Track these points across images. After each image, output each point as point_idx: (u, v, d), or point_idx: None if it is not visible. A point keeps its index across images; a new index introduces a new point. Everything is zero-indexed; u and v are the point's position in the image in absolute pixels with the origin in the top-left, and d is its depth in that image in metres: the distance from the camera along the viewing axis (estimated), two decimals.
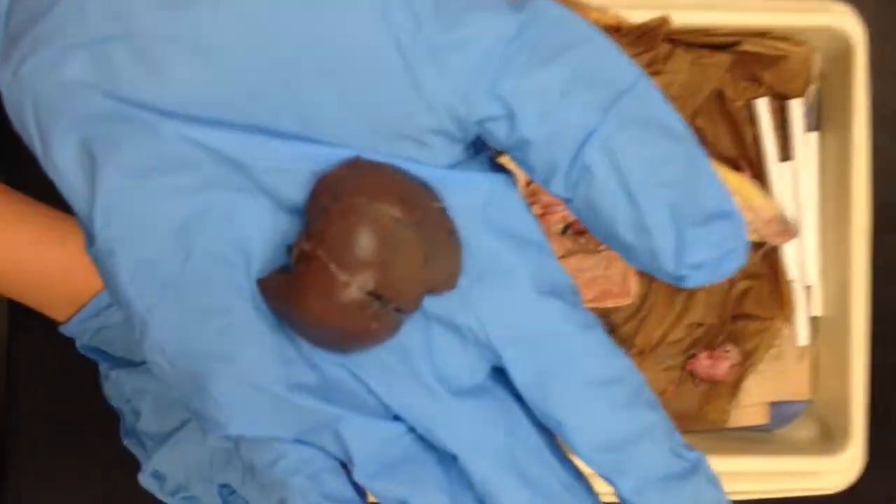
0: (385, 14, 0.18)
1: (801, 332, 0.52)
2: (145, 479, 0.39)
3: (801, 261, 0.52)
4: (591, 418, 0.20)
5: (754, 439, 0.52)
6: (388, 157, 0.20)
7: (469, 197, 0.20)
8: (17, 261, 0.39)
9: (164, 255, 0.20)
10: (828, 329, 0.52)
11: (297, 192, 0.20)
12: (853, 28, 0.49)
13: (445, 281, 0.20)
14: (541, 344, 0.20)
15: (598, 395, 0.20)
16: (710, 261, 0.19)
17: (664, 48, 0.50)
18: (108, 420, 0.43)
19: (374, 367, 0.21)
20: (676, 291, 0.52)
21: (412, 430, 0.21)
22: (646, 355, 0.52)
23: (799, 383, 0.53)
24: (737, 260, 0.19)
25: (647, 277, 0.51)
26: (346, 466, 0.22)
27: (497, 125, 0.19)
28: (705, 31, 0.50)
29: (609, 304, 0.48)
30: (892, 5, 0.54)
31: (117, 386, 0.40)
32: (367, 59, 0.19)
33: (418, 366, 0.21)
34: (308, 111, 0.19)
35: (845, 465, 0.49)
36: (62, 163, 0.20)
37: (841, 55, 0.50)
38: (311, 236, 0.19)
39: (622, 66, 0.19)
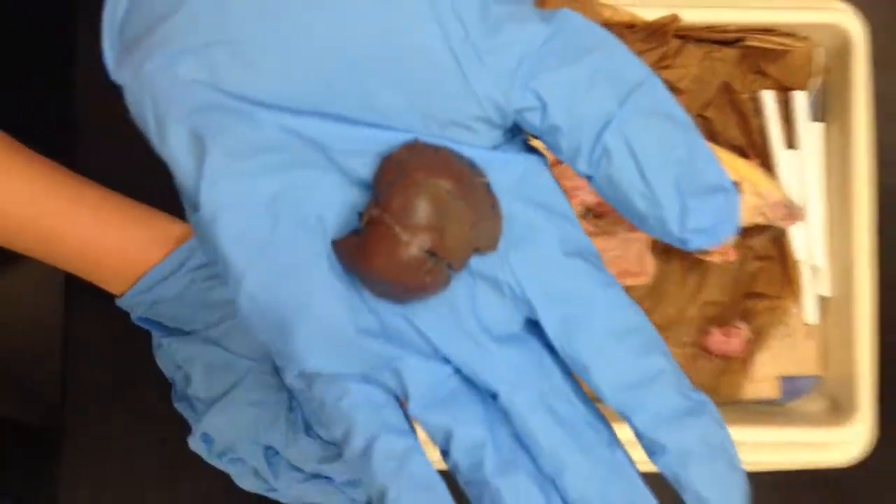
0: (440, 23, 0.22)
1: (810, 311, 0.53)
2: (194, 443, 0.41)
3: (808, 243, 0.53)
4: (611, 362, 0.23)
5: (766, 412, 0.53)
6: (441, 139, 0.23)
7: (508, 174, 0.24)
8: (79, 238, 0.40)
9: (258, 221, 0.23)
10: (835, 307, 0.53)
11: (365, 169, 0.23)
12: (853, 25, 0.51)
13: (488, 244, 0.23)
14: (568, 298, 0.23)
15: (618, 342, 0.23)
16: (709, 226, 0.22)
17: (675, 44, 0.52)
18: (161, 386, 0.44)
19: (428, 316, 0.24)
20: (690, 272, 0.53)
21: (458, 371, 0.24)
22: (662, 332, 0.52)
23: (808, 359, 0.53)
24: (731, 226, 0.22)
25: (662, 258, 0.52)
26: (400, 403, 0.24)
27: (532, 114, 0.22)
28: (713, 28, 0.51)
29: (628, 282, 0.49)
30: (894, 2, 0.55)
31: (169, 354, 0.41)
32: (424, 60, 0.22)
33: (464, 315, 0.24)
34: (375, 102, 0.23)
35: (854, 437, 0.50)
36: (175, 145, 0.23)
37: (842, 50, 0.51)
38: (378, 204, 0.22)
39: (634, 65, 0.22)
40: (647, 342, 0.23)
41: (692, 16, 0.51)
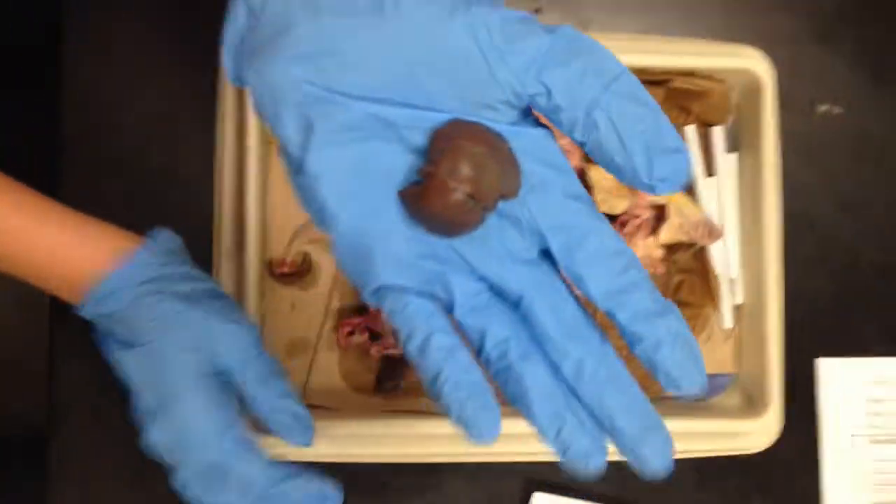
0: (473, 34, 0.29)
1: (727, 317, 0.57)
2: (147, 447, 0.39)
3: (725, 258, 0.57)
4: (601, 275, 0.30)
5: (691, 406, 0.57)
6: (475, 117, 0.30)
7: (524, 141, 0.31)
8: (26, 244, 0.39)
9: (347, 178, 0.30)
10: (748, 314, 0.57)
11: (422, 139, 0.30)
12: (763, 69, 0.55)
13: (511, 191, 0.30)
14: (569, 228, 0.30)
15: (606, 260, 0.30)
16: (669, 176, 0.28)
17: None
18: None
19: (468, 246, 0.31)
20: None
21: (491, 288, 0.31)
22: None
23: (726, 359, 0.57)
24: (684, 176, 0.29)
25: None
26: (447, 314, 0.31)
27: (540, 98, 0.29)
28: (644, 71, 0.55)
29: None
30: (798, 49, 0.60)
31: (118, 368, 0.40)
32: (462, 60, 0.29)
33: (495, 244, 0.31)
34: (427, 91, 0.30)
35: (765, 428, 0.54)
36: (288, 125, 0.30)
37: (754, 91, 0.56)
38: (432, 164, 0.29)
39: (614, 62, 0.29)
40: (628, 261, 0.30)
41: (626, 60, 0.48)
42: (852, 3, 0.62)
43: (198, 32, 0.48)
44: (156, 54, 0.56)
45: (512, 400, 0.30)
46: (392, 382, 0.55)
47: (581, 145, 0.30)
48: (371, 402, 0.55)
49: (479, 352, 0.30)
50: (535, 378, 0.29)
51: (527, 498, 0.56)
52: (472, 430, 0.29)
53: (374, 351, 0.55)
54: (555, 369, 0.29)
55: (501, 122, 0.30)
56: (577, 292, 0.31)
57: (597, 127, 0.28)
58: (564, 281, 0.31)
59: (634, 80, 0.29)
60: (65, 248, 0.39)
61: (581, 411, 0.29)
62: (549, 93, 0.29)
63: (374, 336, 0.55)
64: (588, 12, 0.60)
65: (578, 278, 0.30)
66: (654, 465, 0.29)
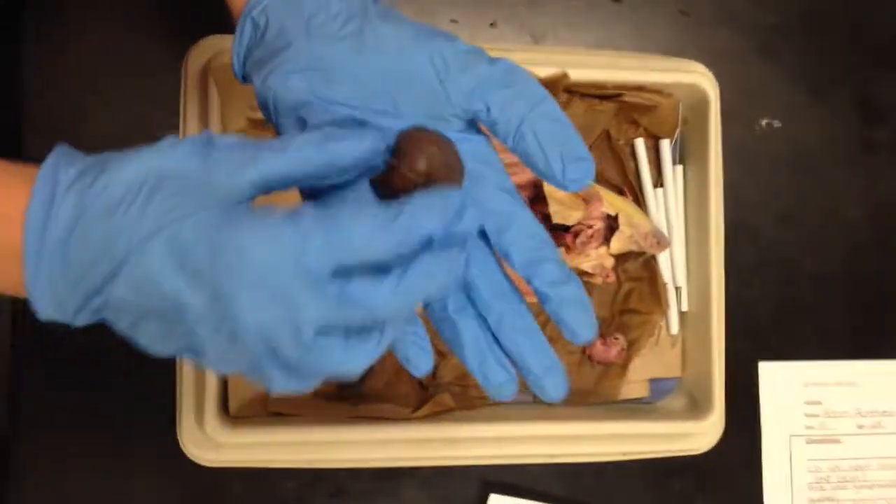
0: (432, 62, 0.36)
1: (674, 323, 0.59)
2: None
3: (673, 267, 0.59)
4: (521, 250, 0.36)
5: (639, 409, 0.59)
6: (432, 125, 0.36)
7: (469, 145, 0.37)
8: None
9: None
10: (692, 320, 0.59)
11: (390, 140, 0.35)
12: (709, 84, 0.58)
13: (458, 182, 0.35)
14: (500, 213, 0.37)
15: (527, 239, 0.36)
16: (578, 178, 0.35)
17: (564, 97, 0.57)
18: (109, 392, 0.47)
19: None
20: None
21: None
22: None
23: (672, 364, 0.59)
24: (590, 178, 0.36)
25: None
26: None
27: (482, 114, 0.36)
28: (596, 85, 0.57)
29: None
30: (741, 65, 0.62)
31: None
32: (423, 82, 0.36)
33: None
34: (395, 103, 0.36)
35: (709, 429, 0.57)
36: (285, 121, 0.36)
37: (700, 105, 0.58)
38: (396, 158, 0.35)
39: (539, 89, 0.36)
40: (543, 241, 0.37)
41: (578, 75, 0.56)
42: (793, 20, 0.64)
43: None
44: (121, 59, 0.56)
45: (449, 343, 0.37)
46: (353, 389, 0.56)
47: (513, 151, 0.36)
48: (333, 408, 0.56)
49: (425, 306, 0.37)
50: (467, 326, 0.36)
51: (483, 500, 0.58)
52: (413, 366, 0.36)
53: None
54: (482, 321, 0.36)
55: (451, 130, 0.37)
56: (507, 267, 0.38)
57: (524, 139, 0.35)
58: (495, 254, 0.38)
59: (554, 103, 0.36)
60: None
61: (499, 352, 0.36)
62: (488, 110, 0.36)
63: None
64: (542, 27, 0.61)
65: (505, 253, 0.37)
66: (553, 394, 0.36)
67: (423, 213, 0.30)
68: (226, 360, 0.30)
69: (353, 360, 0.30)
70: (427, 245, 0.30)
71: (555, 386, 0.36)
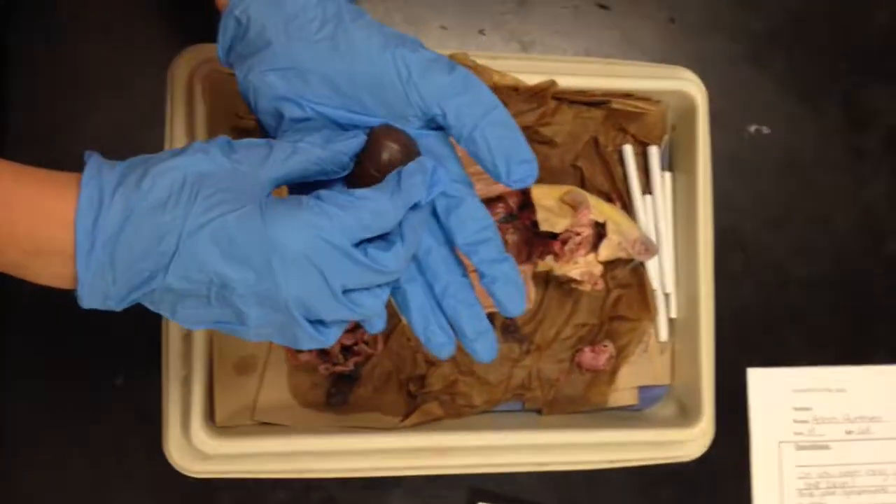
0: (396, 68, 0.39)
1: (663, 330, 0.59)
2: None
3: (661, 274, 0.59)
4: (465, 230, 0.40)
5: (628, 417, 0.59)
6: (396, 124, 0.40)
7: (427, 141, 0.41)
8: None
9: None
10: (681, 328, 0.59)
11: (361, 136, 0.39)
12: (697, 91, 0.58)
13: None
14: (450, 197, 0.40)
15: (472, 222, 0.40)
16: (522, 178, 0.39)
17: (552, 105, 0.57)
18: (88, 405, 0.47)
19: None
20: (565, 298, 0.58)
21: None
22: (543, 350, 0.58)
23: (661, 371, 0.59)
24: (533, 178, 0.39)
25: (542, 287, 0.58)
26: None
27: (439, 117, 0.40)
28: (584, 93, 0.57)
29: None
30: (730, 71, 0.63)
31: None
32: (389, 85, 0.40)
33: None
34: (363, 103, 0.40)
35: (698, 436, 0.57)
36: (265, 113, 0.40)
37: (688, 112, 0.58)
38: (363, 153, 0.39)
39: (491, 97, 0.40)
40: (485, 224, 0.40)
41: (566, 82, 0.56)
42: (781, 26, 0.64)
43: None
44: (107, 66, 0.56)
45: (399, 308, 0.41)
46: (340, 398, 0.56)
47: (467, 152, 0.40)
48: (320, 418, 0.55)
49: None
50: (414, 293, 0.41)
51: None
52: (371, 328, 0.39)
53: (323, 369, 0.55)
54: (429, 289, 0.41)
55: (412, 127, 0.40)
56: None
57: (475, 142, 0.39)
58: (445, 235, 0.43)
59: (504, 110, 0.40)
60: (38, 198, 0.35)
61: (441, 318, 0.41)
62: (445, 115, 0.40)
63: (323, 353, 0.55)
64: (530, 34, 0.61)
65: (451, 231, 0.41)
66: (483, 356, 0.41)
67: (413, 188, 0.37)
68: (262, 327, 0.37)
69: (374, 306, 0.37)
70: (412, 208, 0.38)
71: (484, 348, 0.41)
